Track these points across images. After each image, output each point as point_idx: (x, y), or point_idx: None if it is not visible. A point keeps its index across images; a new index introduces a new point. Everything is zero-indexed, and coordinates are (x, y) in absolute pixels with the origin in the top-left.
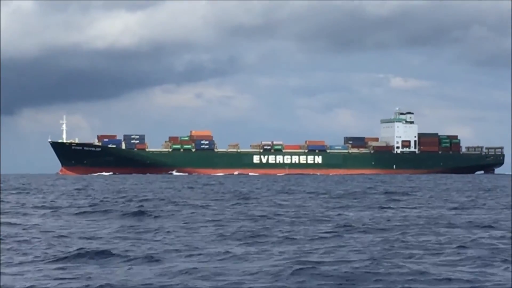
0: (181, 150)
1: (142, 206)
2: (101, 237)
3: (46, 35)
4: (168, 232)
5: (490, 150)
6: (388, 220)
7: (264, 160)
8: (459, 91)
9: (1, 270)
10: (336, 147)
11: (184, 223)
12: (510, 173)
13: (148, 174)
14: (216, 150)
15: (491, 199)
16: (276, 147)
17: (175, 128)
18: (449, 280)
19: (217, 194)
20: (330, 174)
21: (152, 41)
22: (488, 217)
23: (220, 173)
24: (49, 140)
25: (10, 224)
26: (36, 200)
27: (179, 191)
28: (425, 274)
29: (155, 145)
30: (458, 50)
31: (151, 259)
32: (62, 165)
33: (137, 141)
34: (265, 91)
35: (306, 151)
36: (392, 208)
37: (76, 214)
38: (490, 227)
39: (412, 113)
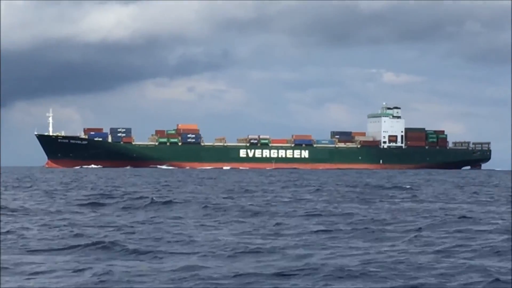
0: (168, 143)
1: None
2: None
3: (39, 28)
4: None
5: (477, 145)
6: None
7: (250, 154)
8: (451, 86)
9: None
10: (323, 142)
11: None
12: (498, 169)
13: (149, 167)
14: (202, 144)
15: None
16: (262, 141)
17: (166, 121)
18: None
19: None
20: (320, 168)
21: (145, 34)
22: None
23: (206, 167)
24: (36, 133)
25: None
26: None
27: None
28: None
29: (144, 138)
30: (451, 45)
31: None
32: (48, 158)
33: (124, 135)
34: (257, 85)
35: (292, 145)
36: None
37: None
38: None
39: (399, 108)
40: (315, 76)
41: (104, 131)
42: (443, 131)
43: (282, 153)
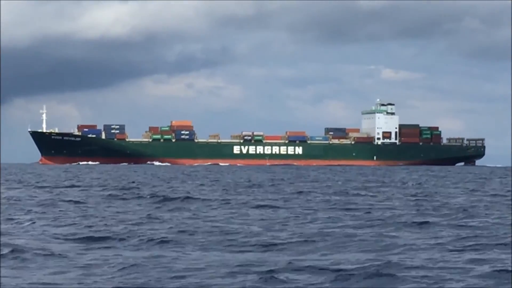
0: (161, 140)
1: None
2: None
3: (38, 25)
4: None
5: (471, 141)
6: None
7: (244, 151)
8: (450, 83)
9: None
10: (317, 138)
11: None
12: (491, 165)
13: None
14: (196, 140)
15: None
16: (256, 137)
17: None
18: None
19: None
20: (313, 164)
21: (143, 31)
22: None
23: (200, 163)
24: (29, 129)
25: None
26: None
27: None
28: None
29: (138, 135)
30: (449, 42)
31: None
32: (42, 155)
33: (117, 131)
34: (255, 81)
35: (286, 141)
36: None
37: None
38: None
39: (393, 104)
40: (313, 73)
41: (98, 127)
42: (437, 128)
43: (276, 149)
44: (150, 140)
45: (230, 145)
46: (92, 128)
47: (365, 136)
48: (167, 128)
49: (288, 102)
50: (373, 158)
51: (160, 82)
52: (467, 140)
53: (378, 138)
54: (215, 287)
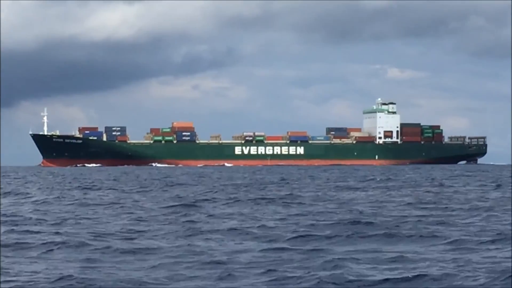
0: (163, 141)
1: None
2: None
3: (44, 27)
4: None
5: (473, 140)
6: None
7: (246, 151)
8: (456, 82)
9: None
10: (318, 138)
11: None
12: (493, 163)
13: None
14: (197, 141)
15: None
16: (258, 138)
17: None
18: None
19: None
20: (315, 164)
21: (150, 32)
22: None
23: (201, 164)
24: (30, 132)
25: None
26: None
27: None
28: None
29: (139, 137)
30: (455, 41)
31: None
32: (44, 158)
33: (118, 133)
34: (261, 82)
35: (288, 142)
36: None
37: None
38: None
39: (394, 103)
40: (319, 73)
41: (99, 130)
42: (439, 126)
43: (277, 149)
44: (152, 141)
45: (232, 146)
46: (93, 130)
47: (367, 135)
48: (168, 130)
49: (293, 102)
50: (375, 157)
51: (166, 83)
52: (469, 138)
53: (380, 137)
54: None
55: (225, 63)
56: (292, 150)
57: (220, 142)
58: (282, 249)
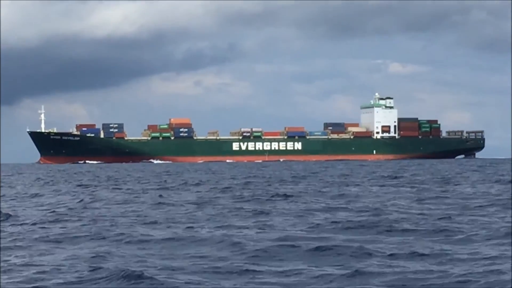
0: (160, 138)
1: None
2: None
3: (46, 24)
4: None
5: (470, 134)
6: None
7: (243, 147)
8: (458, 76)
9: None
10: (316, 133)
11: None
12: (491, 157)
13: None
14: (195, 138)
15: None
16: (255, 134)
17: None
18: None
19: None
20: (313, 160)
21: (152, 29)
22: None
23: (199, 161)
24: (28, 130)
25: None
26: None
27: None
28: None
29: (137, 133)
30: (457, 34)
31: None
32: (41, 155)
33: (116, 130)
34: (263, 78)
35: (285, 137)
36: None
37: None
38: None
39: (392, 98)
40: (321, 68)
41: (96, 127)
42: (436, 121)
43: (275, 145)
44: (149, 138)
45: (229, 142)
46: (90, 127)
47: (364, 130)
48: (165, 126)
49: (295, 98)
50: (373, 152)
51: (168, 80)
52: (467, 132)
53: (377, 132)
54: None
55: (227, 59)
56: (290, 145)
57: (218, 138)
58: None
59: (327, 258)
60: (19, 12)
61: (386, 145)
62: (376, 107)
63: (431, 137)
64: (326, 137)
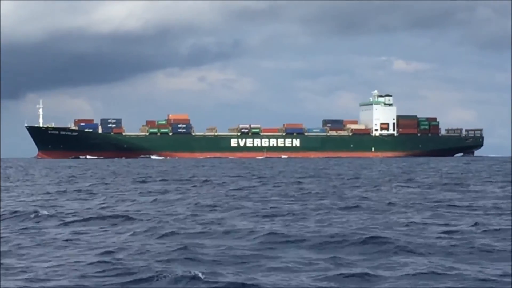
0: (158, 134)
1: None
2: None
3: (51, 19)
4: None
5: (469, 132)
6: None
7: (241, 144)
8: (463, 73)
9: None
10: (314, 130)
11: None
12: (491, 155)
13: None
14: (193, 133)
15: None
16: (253, 130)
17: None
18: None
19: None
20: (311, 157)
21: (157, 24)
22: None
23: (198, 157)
24: (26, 124)
25: None
26: None
27: None
28: None
29: (135, 129)
30: (462, 32)
31: None
32: (39, 150)
33: (114, 125)
34: (267, 74)
35: (284, 134)
36: None
37: None
38: None
39: (391, 96)
40: (325, 65)
41: (94, 122)
42: (435, 118)
43: (273, 142)
44: (147, 134)
45: (228, 138)
46: (89, 122)
47: (363, 127)
48: (164, 122)
49: (299, 94)
50: (371, 149)
51: (172, 75)
52: (466, 130)
53: (376, 130)
54: None
55: (232, 55)
56: (288, 142)
57: (216, 134)
58: None
59: None
60: (24, 7)
61: (385, 142)
62: (375, 104)
63: (429, 134)
64: (324, 134)
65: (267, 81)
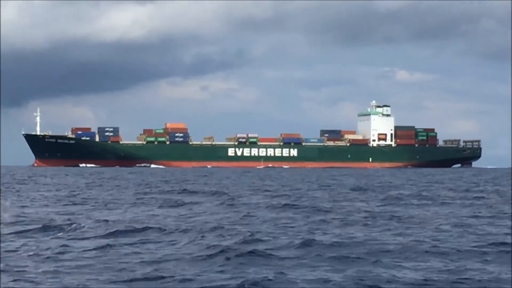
0: (155, 142)
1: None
2: None
3: (56, 27)
4: None
5: (467, 143)
6: None
7: (239, 153)
8: (465, 84)
9: None
10: (312, 140)
11: None
12: (489, 167)
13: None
14: (190, 142)
15: None
16: (251, 139)
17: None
18: None
19: None
20: (308, 167)
21: (161, 33)
22: None
23: (194, 166)
24: (23, 132)
25: None
26: None
27: None
28: None
29: (132, 137)
30: (466, 43)
31: None
32: (36, 158)
33: (111, 134)
34: (270, 83)
35: (281, 143)
36: None
37: None
38: None
39: (389, 106)
40: (328, 75)
41: (92, 130)
42: (433, 129)
43: (270, 151)
44: (144, 142)
45: (225, 148)
46: (86, 130)
47: (361, 138)
48: (161, 131)
49: (302, 104)
50: (369, 160)
51: (175, 84)
52: (464, 142)
53: (374, 140)
54: None
55: (235, 65)
56: (285, 152)
57: (213, 143)
58: None
59: None
60: (29, 14)
61: (382, 153)
62: (373, 114)
63: (427, 145)
64: (322, 144)
65: (270, 90)
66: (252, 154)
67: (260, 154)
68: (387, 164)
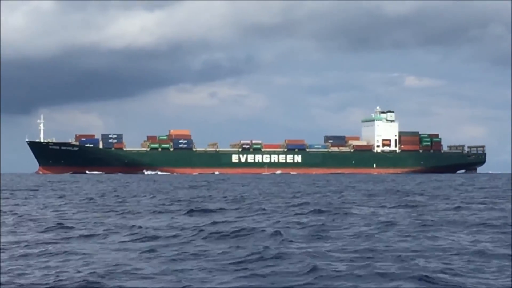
0: (159, 149)
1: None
2: None
3: (65, 35)
4: None
5: (472, 149)
6: None
7: (243, 159)
8: (474, 90)
9: None
10: (316, 146)
11: None
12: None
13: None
14: (194, 149)
15: None
16: (255, 146)
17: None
18: None
19: None
20: (313, 173)
21: (170, 40)
22: None
23: (198, 172)
24: (27, 139)
25: None
26: None
27: None
28: None
29: (136, 144)
30: (475, 49)
31: None
32: (40, 165)
33: (115, 141)
34: (278, 90)
35: (285, 150)
36: None
37: None
38: None
39: (393, 112)
40: (337, 81)
41: (95, 137)
42: (438, 135)
43: (274, 157)
44: (148, 149)
45: (229, 154)
46: (90, 137)
47: (365, 144)
48: (165, 137)
49: (310, 110)
50: (373, 166)
51: (184, 91)
52: (468, 147)
53: (378, 146)
54: None
55: (244, 71)
56: (289, 158)
57: (217, 150)
58: None
59: None
60: (38, 22)
61: (387, 159)
62: (377, 120)
63: (431, 151)
64: (326, 150)
65: (278, 97)
66: (256, 161)
67: (264, 161)
68: (391, 170)
